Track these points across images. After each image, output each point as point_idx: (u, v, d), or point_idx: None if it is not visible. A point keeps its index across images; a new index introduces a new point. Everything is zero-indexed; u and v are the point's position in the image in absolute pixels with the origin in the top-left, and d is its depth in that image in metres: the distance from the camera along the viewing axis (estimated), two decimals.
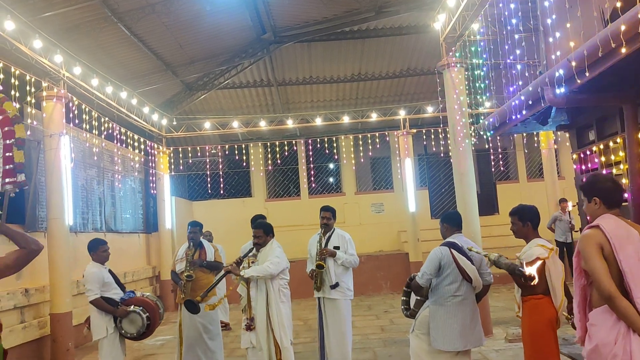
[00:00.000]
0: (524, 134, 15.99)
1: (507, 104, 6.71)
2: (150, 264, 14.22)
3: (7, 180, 4.03)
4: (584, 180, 3.63)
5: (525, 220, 4.79)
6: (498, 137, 14.97)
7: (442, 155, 16.03)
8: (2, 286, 7.58)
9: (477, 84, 9.69)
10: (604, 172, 6.81)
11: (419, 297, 5.31)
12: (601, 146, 6.80)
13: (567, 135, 8.01)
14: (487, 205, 16.28)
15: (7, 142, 4.14)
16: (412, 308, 5.42)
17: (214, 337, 7.47)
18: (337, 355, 6.74)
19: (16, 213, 8.88)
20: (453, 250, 5.07)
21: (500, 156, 16.02)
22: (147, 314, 5.97)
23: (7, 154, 4.11)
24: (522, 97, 6.11)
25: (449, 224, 5.37)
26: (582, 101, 5.99)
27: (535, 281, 4.25)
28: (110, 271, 6.42)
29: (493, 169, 16.62)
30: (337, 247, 6.80)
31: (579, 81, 4.95)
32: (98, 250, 6.33)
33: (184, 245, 7.62)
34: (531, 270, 4.24)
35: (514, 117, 6.41)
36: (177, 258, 7.60)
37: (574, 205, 7.88)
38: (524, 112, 6.16)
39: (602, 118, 6.94)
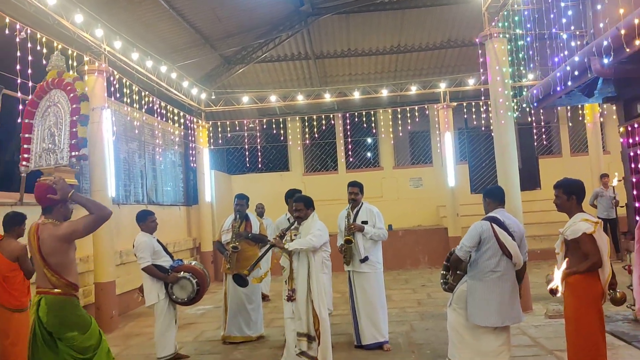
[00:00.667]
0: (568, 107, 15.52)
1: (551, 74, 6.49)
2: (190, 236, 14.48)
3: (72, 153, 4.43)
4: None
5: (570, 194, 4.71)
6: (541, 110, 14.61)
7: (483, 129, 15.68)
8: None
9: (521, 55, 9.40)
10: None
11: (458, 272, 5.31)
12: None
13: (614, 107, 7.73)
14: (529, 180, 15.92)
15: (74, 118, 4.44)
16: (451, 282, 5.41)
17: (256, 308, 7.67)
18: (370, 327, 6.81)
19: None
20: (494, 225, 5.02)
21: (543, 130, 15.61)
22: (197, 279, 6.16)
23: (73, 130, 4.51)
24: (568, 68, 5.89)
25: (491, 198, 5.31)
26: (630, 72, 5.75)
27: (560, 293, 4.31)
28: (158, 240, 6.66)
29: (535, 143, 16.20)
30: (366, 222, 6.81)
31: (628, 50, 4.74)
32: (147, 221, 6.58)
33: (230, 217, 7.78)
34: (552, 285, 4.33)
35: (558, 88, 6.20)
36: (223, 229, 7.74)
37: (619, 180, 7.62)
38: (569, 83, 5.96)
39: None
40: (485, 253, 5.02)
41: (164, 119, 12.59)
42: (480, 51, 8.84)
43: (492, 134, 14.91)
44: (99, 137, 9.07)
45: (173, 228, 13.37)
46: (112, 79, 9.65)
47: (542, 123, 15.19)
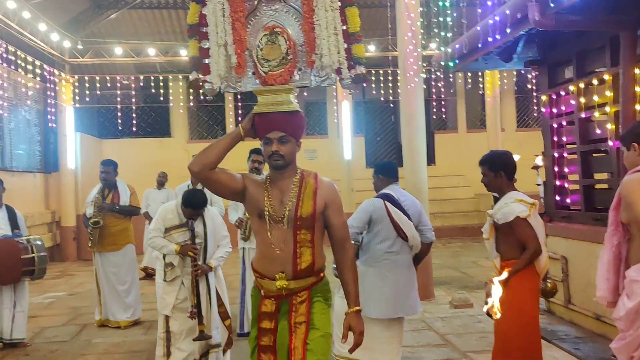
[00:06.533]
0: (469, 80, 15.01)
1: (481, 23, 5.47)
2: (49, 209, 12.44)
3: None
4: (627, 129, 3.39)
5: (497, 170, 3.99)
6: (441, 83, 13.94)
7: (381, 99, 14.83)
8: None
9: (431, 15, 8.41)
10: (583, 115, 5.79)
11: None
12: (581, 85, 5.75)
13: (533, 73, 6.92)
14: None
15: None
16: None
17: (129, 289, 6.80)
18: None
19: None
20: (387, 203, 4.37)
21: (443, 103, 14.97)
22: None
23: None
24: (507, 11, 4.87)
25: (383, 174, 4.62)
26: (574, 24, 4.86)
27: (497, 316, 3.62)
28: (10, 211, 5.98)
29: (434, 117, 15.56)
30: None
31: None
32: None
33: (97, 187, 6.94)
34: (489, 304, 3.63)
35: (489, 39, 5.19)
36: (88, 201, 6.92)
37: (537, 155, 6.86)
38: (507, 30, 4.94)
39: (583, 52, 5.86)
40: (377, 235, 4.38)
41: (15, 68, 10.44)
42: (389, 4, 7.72)
43: (391, 105, 14.07)
44: None
45: (26, 198, 11.29)
46: None
47: (442, 96, 14.50)
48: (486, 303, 3.71)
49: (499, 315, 3.60)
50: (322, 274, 2.94)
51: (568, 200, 6.18)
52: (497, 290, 3.62)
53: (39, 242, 5.75)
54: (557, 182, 6.32)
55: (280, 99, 2.82)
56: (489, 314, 3.66)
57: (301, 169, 2.99)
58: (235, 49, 2.82)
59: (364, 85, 14.29)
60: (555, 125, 6.27)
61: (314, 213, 2.80)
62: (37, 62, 11.09)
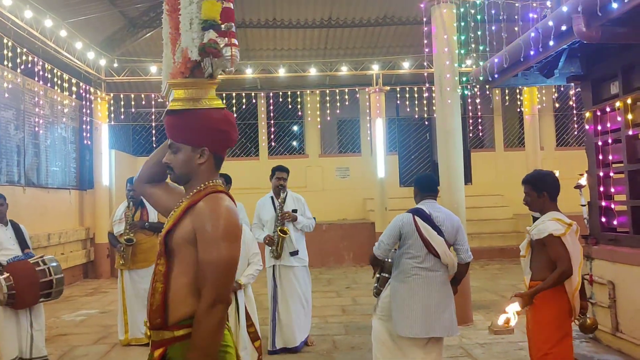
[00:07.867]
0: (506, 96, 14.68)
1: (523, 35, 5.24)
2: (83, 225, 12.51)
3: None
4: None
5: (541, 190, 4.02)
6: (478, 100, 13.63)
7: (416, 117, 14.61)
8: None
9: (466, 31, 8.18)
10: (630, 132, 5.49)
11: (385, 274, 4.60)
12: (628, 101, 5.44)
13: (574, 90, 6.62)
14: None
15: None
16: (378, 286, 4.66)
17: None
18: (302, 324, 6.17)
19: None
20: (417, 218, 4.31)
21: (479, 121, 14.65)
22: (11, 282, 5.08)
23: None
24: (550, 23, 4.63)
25: (418, 188, 4.60)
26: (621, 36, 4.60)
27: (510, 326, 3.78)
28: (16, 228, 5.76)
29: (471, 135, 15.21)
30: (295, 211, 6.27)
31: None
32: None
33: (123, 204, 7.01)
34: (504, 317, 3.73)
35: (531, 52, 4.96)
36: (115, 219, 6.96)
37: (581, 174, 6.52)
38: (550, 43, 4.71)
39: (629, 66, 5.57)
40: (408, 251, 4.33)
41: (52, 86, 10.60)
42: (425, 18, 7.54)
43: (426, 123, 13.86)
44: None
45: (60, 215, 11.41)
46: None
47: (479, 113, 14.17)
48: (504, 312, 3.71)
49: (512, 324, 3.68)
50: (185, 333, 2.09)
51: (615, 222, 5.85)
52: (514, 305, 3.66)
53: (54, 264, 5.51)
54: (603, 203, 5.99)
55: (170, 98, 2.22)
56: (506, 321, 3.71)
57: (207, 185, 2.22)
58: (171, 49, 2.39)
59: (398, 102, 14.10)
60: (600, 143, 5.95)
61: (163, 238, 2.14)
62: (74, 80, 11.25)
